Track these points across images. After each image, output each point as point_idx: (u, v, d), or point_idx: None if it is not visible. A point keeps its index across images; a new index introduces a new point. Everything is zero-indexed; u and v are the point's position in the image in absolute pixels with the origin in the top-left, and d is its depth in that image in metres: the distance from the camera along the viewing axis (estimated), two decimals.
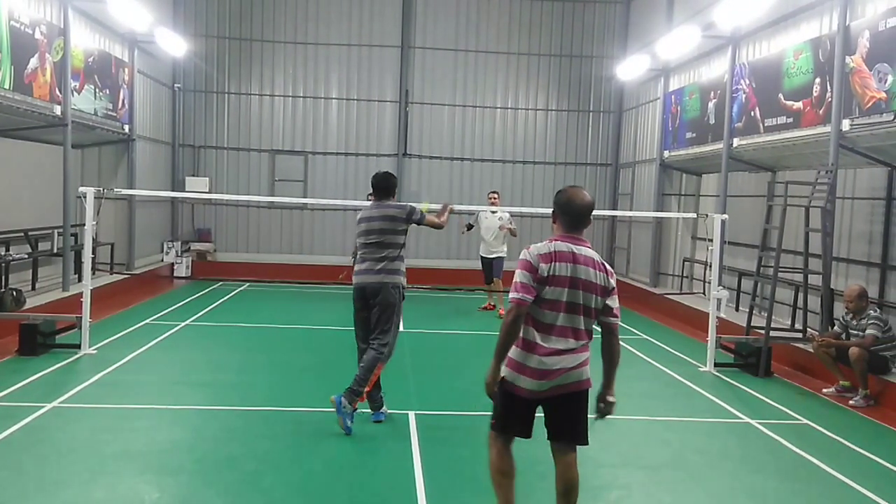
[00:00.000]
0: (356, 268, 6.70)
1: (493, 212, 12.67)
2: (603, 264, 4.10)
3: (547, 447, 4.14)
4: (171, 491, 5.02)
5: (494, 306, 13.65)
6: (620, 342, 4.19)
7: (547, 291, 3.96)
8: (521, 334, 4.03)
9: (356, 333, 6.74)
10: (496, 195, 13.28)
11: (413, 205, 6.81)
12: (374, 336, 6.50)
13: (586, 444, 4.12)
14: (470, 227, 13.63)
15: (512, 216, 13.30)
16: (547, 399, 4.04)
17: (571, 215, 4.10)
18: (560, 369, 3.97)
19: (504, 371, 4.07)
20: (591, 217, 4.18)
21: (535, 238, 18.06)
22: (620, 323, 4.17)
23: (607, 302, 4.07)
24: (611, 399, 4.11)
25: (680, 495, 5.35)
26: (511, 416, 4.12)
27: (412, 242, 18.21)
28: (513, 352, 4.05)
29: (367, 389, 6.44)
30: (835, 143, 9.22)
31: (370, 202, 7.11)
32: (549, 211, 4.26)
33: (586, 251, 4.05)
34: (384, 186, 6.85)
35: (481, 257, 13.41)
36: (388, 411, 6.84)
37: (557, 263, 3.98)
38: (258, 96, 18.06)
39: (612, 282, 4.11)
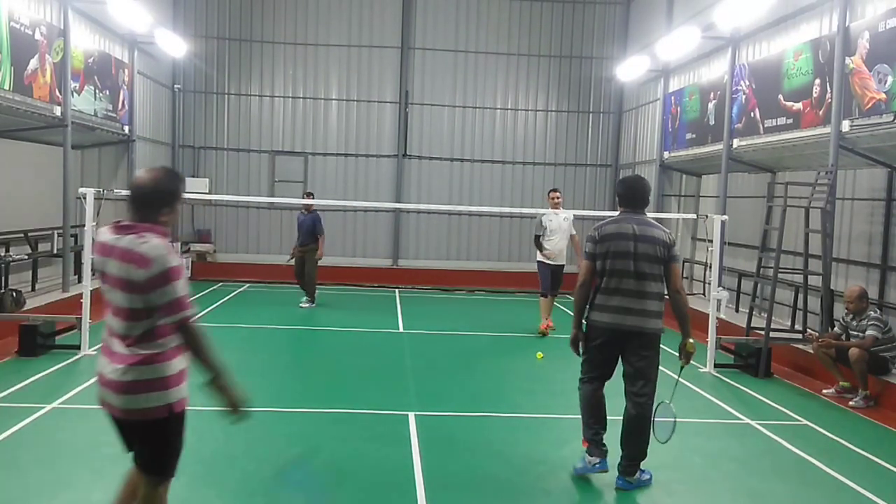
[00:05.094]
0: (599, 300, 5.20)
1: (557, 213, 11.16)
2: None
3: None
4: (171, 491, 5.00)
5: (553, 326, 11.35)
6: None
7: None
8: None
9: (589, 374, 5.40)
10: (558, 194, 11.48)
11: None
12: (640, 389, 5.20)
13: None
14: (539, 245, 11.32)
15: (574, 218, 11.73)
16: None
17: None
18: None
19: None
20: None
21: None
22: None
23: None
24: None
25: (680, 496, 5.34)
26: None
27: (412, 242, 18.27)
28: None
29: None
30: (835, 144, 9.22)
31: (618, 213, 5.41)
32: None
33: None
34: (641, 195, 5.31)
35: (545, 264, 11.23)
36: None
37: None
38: (258, 97, 18.06)
39: None
